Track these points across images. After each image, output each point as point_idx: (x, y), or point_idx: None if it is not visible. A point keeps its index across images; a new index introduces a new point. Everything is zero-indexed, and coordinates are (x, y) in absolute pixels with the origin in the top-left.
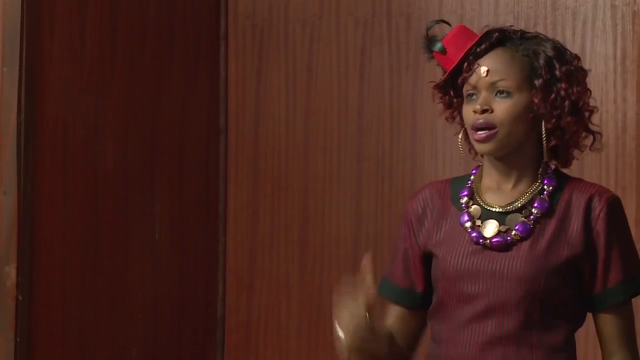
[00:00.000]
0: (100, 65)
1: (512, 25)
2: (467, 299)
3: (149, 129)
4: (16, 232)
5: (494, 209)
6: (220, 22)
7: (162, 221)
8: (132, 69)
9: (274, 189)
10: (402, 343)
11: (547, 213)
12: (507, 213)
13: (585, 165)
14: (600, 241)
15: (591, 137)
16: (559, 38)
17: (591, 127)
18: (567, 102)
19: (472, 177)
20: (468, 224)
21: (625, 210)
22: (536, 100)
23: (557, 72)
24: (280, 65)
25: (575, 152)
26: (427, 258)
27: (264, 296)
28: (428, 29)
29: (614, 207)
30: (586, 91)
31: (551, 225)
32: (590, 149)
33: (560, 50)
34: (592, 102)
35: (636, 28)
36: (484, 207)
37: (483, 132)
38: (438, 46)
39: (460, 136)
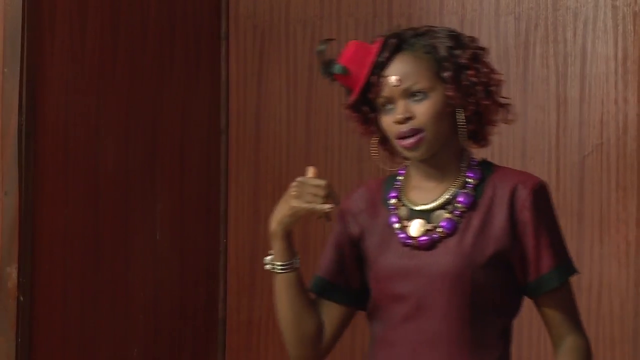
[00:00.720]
0: (101, 65)
1: (399, 25)
2: (399, 298)
3: (149, 129)
4: (17, 232)
5: (419, 208)
6: (221, 22)
7: (163, 221)
8: (133, 70)
9: (275, 189)
10: (315, 325)
11: (471, 207)
12: (432, 210)
13: (586, 167)
14: (528, 231)
15: (503, 110)
16: (560, 39)
17: (501, 100)
18: (479, 87)
19: (399, 178)
20: (397, 225)
21: (550, 195)
22: (450, 94)
23: (462, 60)
24: (281, 66)
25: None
26: (361, 258)
27: (265, 296)
28: (319, 53)
29: (539, 194)
30: (492, 71)
31: (476, 219)
32: (503, 122)
33: (456, 37)
34: (499, 76)
35: (637, 29)
36: (410, 207)
37: (411, 138)
38: (338, 68)
39: (372, 143)
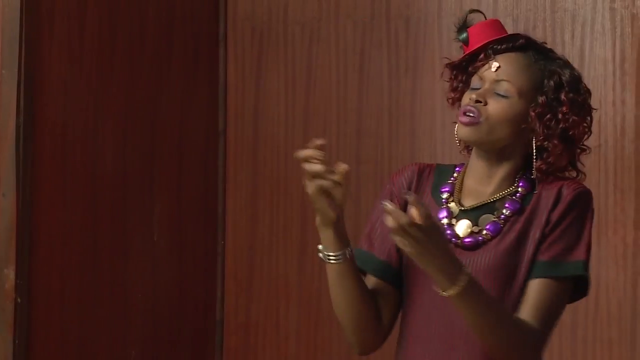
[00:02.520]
0: (99, 67)
1: (545, 43)
2: (435, 292)
3: (148, 130)
4: (15, 234)
5: (469, 209)
6: (220, 24)
7: (161, 223)
8: (131, 71)
9: (273, 191)
10: (372, 310)
11: (517, 212)
12: (480, 213)
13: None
14: (553, 218)
15: (575, 173)
16: (558, 41)
17: (578, 165)
18: (560, 126)
19: (455, 175)
20: (445, 221)
21: (591, 204)
22: (532, 114)
23: (563, 96)
24: (279, 68)
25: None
26: None
27: (262, 298)
28: (466, 15)
29: (581, 196)
30: (584, 127)
31: (520, 223)
32: (570, 167)
33: (576, 80)
34: (586, 136)
35: (635, 31)
36: (461, 206)
37: (468, 117)
38: (463, 35)
39: (456, 127)
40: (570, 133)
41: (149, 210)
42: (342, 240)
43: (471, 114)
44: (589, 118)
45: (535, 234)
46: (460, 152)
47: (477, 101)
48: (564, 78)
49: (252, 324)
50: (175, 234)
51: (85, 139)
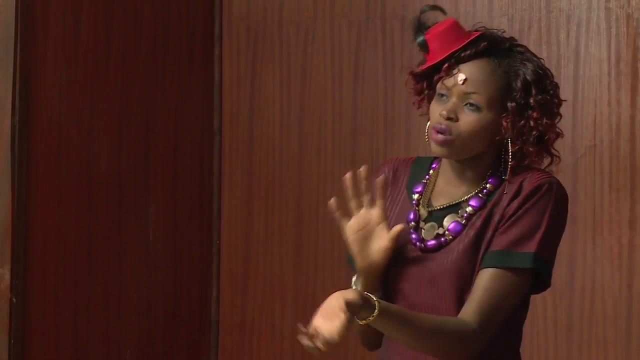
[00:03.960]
0: (94, 67)
1: (504, 31)
2: (400, 293)
3: (143, 130)
4: (10, 234)
5: (437, 209)
6: (215, 24)
7: (156, 223)
8: (126, 71)
9: (268, 191)
10: None
11: (479, 208)
12: (446, 214)
13: (579, 169)
14: (509, 210)
15: (549, 157)
16: (553, 40)
17: (553, 151)
18: (534, 133)
19: (430, 172)
20: (412, 224)
21: (565, 199)
22: (505, 124)
23: (532, 100)
24: (274, 67)
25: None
26: None
27: (258, 298)
28: (422, 13)
29: (541, 187)
30: (555, 124)
31: (479, 220)
32: (544, 170)
33: (541, 76)
34: (559, 130)
35: (630, 30)
36: (430, 208)
37: (441, 135)
38: (420, 39)
39: (427, 127)
40: (546, 138)
41: (144, 210)
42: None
43: (443, 133)
44: (559, 116)
45: (491, 229)
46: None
47: (449, 118)
48: (529, 78)
49: (248, 323)
50: (170, 233)
51: (81, 138)
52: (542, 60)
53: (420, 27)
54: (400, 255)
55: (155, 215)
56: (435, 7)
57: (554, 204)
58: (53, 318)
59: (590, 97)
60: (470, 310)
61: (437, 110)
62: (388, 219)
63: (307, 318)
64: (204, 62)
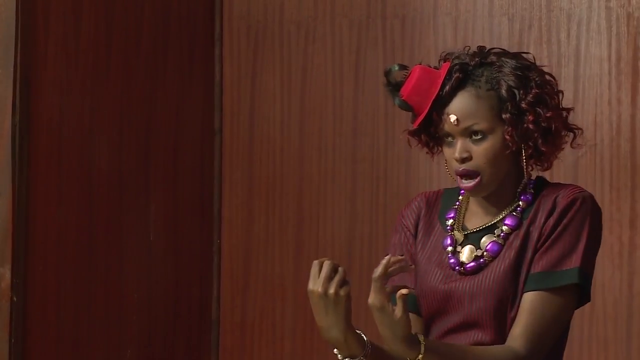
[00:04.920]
0: (95, 66)
1: (467, 47)
2: (443, 315)
3: (143, 130)
4: (11, 233)
5: (472, 232)
6: (215, 23)
7: (157, 222)
8: (126, 70)
9: (268, 190)
10: None
11: (516, 227)
12: (482, 235)
13: (580, 167)
14: (547, 228)
15: (571, 134)
16: (553, 40)
17: (570, 126)
18: (537, 134)
19: (460, 197)
20: (449, 249)
21: (599, 212)
22: (508, 137)
23: (523, 104)
24: (275, 67)
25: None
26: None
27: (258, 297)
28: (387, 75)
29: (575, 201)
30: (556, 112)
31: (518, 239)
32: (571, 146)
33: (521, 76)
34: (565, 103)
35: (631, 30)
36: (465, 231)
37: (468, 182)
38: (399, 102)
39: (445, 164)
40: (553, 129)
41: (145, 210)
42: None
43: (467, 176)
44: (558, 97)
45: (530, 248)
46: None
47: (464, 159)
48: (511, 83)
49: (248, 323)
50: (171, 233)
51: (81, 137)
52: (516, 59)
53: (393, 88)
54: (434, 277)
55: (155, 215)
56: (401, 67)
57: (591, 218)
58: (54, 317)
59: (590, 96)
60: (517, 336)
61: (450, 155)
62: (422, 254)
63: (308, 317)
64: (205, 62)
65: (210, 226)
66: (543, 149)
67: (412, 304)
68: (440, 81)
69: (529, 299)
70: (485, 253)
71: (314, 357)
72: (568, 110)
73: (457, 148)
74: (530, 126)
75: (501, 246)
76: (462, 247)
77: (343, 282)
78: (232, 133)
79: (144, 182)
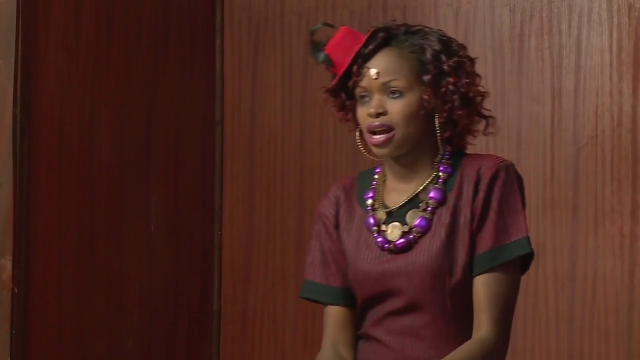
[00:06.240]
0: (95, 58)
1: (395, 20)
2: (379, 297)
3: (144, 121)
4: (12, 224)
5: (395, 209)
6: (216, 14)
7: (158, 214)
8: (127, 62)
9: (270, 182)
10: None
11: (442, 201)
12: (406, 210)
13: (581, 159)
14: (478, 206)
15: (484, 121)
16: (554, 31)
17: (484, 112)
18: (456, 96)
19: (376, 177)
20: (374, 229)
21: (522, 179)
22: (426, 97)
23: (445, 66)
24: (276, 58)
25: (469, 137)
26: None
27: (260, 288)
28: (312, 34)
29: (502, 171)
30: (475, 80)
31: (446, 215)
32: (483, 133)
33: (446, 43)
34: (482, 88)
35: (632, 21)
36: (387, 209)
37: (380, 135)
38: (321, 57)
39: (356, 135)
40: (469, 95)
41: (146, 201)
42: None
43: (380, 130)
44: (478, 76)
45: (464, 228)
46: (370, 156)
47: (379, 114)
48: (436, 47)
49: (249, 314)
50: (172, 224)
51: (82, 129)
52: (440, 31)
53: (317, 46)
54: (365, 260)
55: (157, 206)
56: (325, 24)
57: (519, 185)
58: (55, 309)
59: (591, 87)
60: (483, 323)
61: (365, 112)
62: (348, 241)
63: (309, 308)
64: (206, 53)
65: (211, 218)
66: (459, 112)
67: (339, 297)
68: (364, 38)
69: (483, 282)
70: (413, 229)
71: (315, 347)
72: (483, 94)
73: (373, 103)
74: (450, 87)
75: (429, 221)
76: (387, 225)
77: None
78: (233, 125)
79: (145, 173)
